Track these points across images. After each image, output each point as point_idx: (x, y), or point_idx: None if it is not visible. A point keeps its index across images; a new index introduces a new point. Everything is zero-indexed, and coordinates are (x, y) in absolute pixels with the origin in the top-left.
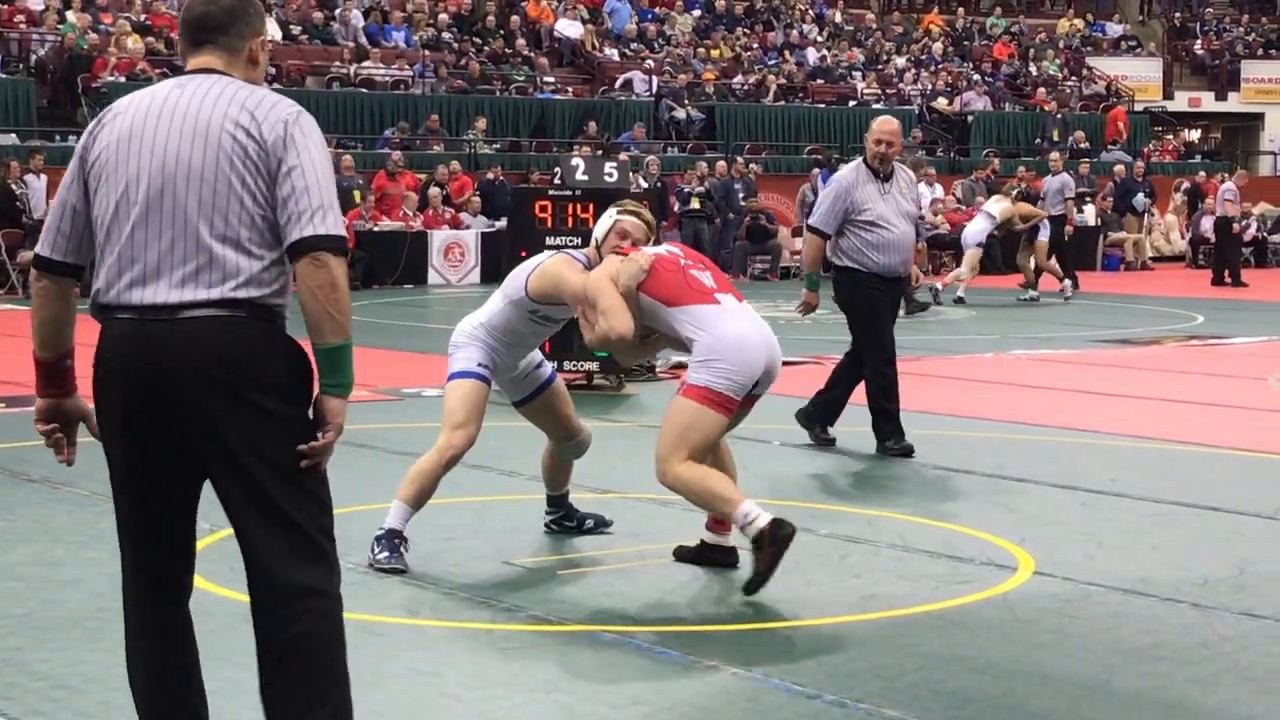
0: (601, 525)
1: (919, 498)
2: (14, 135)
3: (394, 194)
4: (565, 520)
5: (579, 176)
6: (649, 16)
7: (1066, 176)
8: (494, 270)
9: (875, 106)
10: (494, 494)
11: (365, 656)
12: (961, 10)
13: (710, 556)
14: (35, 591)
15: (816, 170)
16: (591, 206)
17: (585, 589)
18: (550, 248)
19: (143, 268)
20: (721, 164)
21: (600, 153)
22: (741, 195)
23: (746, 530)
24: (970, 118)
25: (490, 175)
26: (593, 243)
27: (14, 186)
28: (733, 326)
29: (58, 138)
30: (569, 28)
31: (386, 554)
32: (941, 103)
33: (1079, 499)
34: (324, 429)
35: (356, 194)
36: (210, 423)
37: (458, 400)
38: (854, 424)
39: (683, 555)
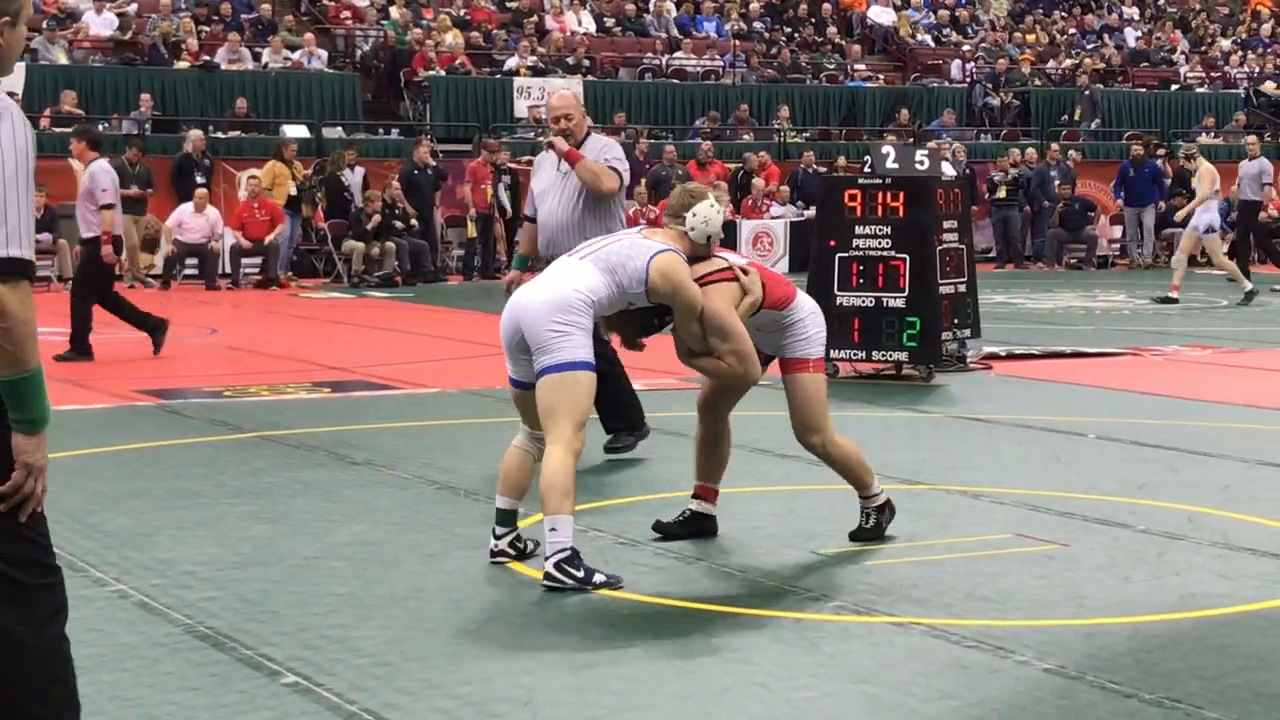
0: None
1: (1243, 494)
2: (340, 129)
3: (703, 184)
4: (516, 541)
5: (889, 164)
6: (964, 2)
7: (1265, 161)
8: (802, 259)
9: (1200, 91)
10: (802, 483)
11: (676, 640)
12: None
13: (697, 526)
14: (358, 571)
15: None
16: (902, 195)
17: (894, 580)
18: (860, 237)
19: None
20: (1032, 151)
21: (911, 140)
22: (1057, 182)
23: (874, 499)
24: None
25: (803, 164)
26: (684, 229)
27: (343, 178)
28: (809, 299)
29: (381, 131)
30: (882, 15)
31: (602, 576)
32: (1269, 86)
33: None
34: (16, 469)
35: (673, 184)
36: None
37: (585, 398)
38: (1169, 418)
39: (670, 531)
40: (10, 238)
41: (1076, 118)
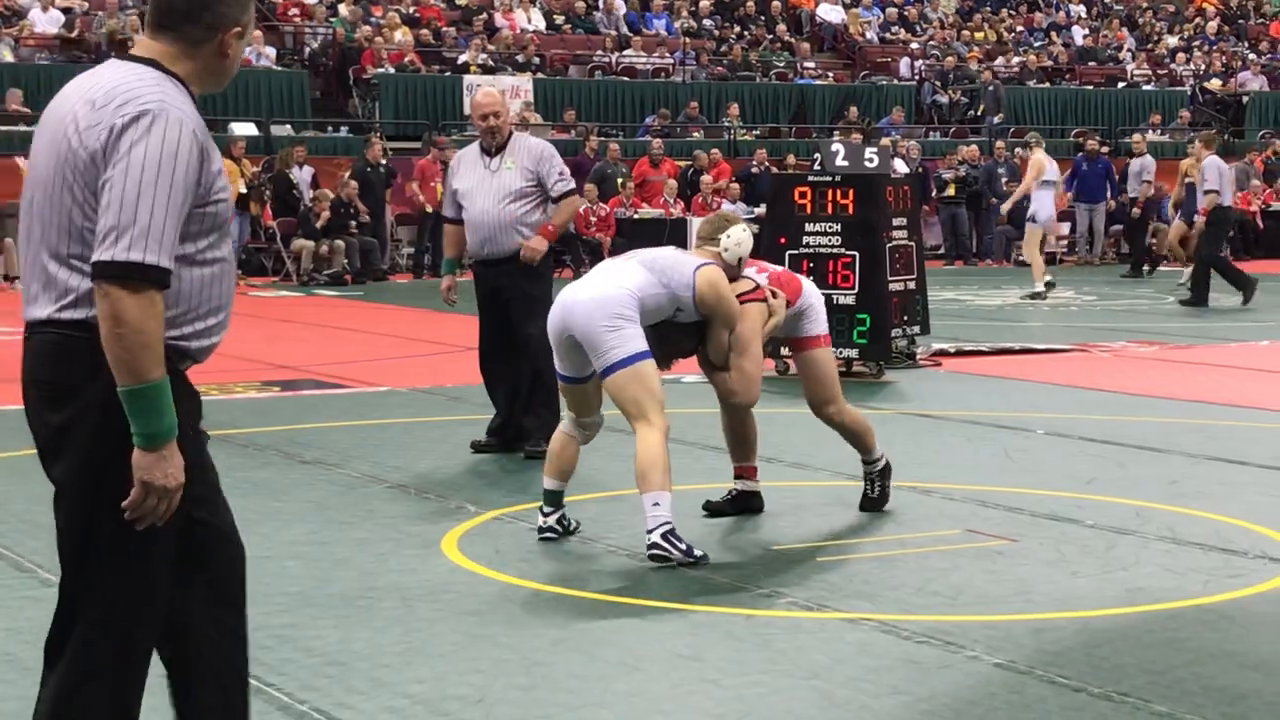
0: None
1: (1190, 489)
2: (289, 126)
3: (655, 181)
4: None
5: (839, 162)
6: (912, 0)
7: (1148, 159)
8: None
9: (1146, 88)
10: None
11: (628, 639)
12: None
13: (744, 504)
14: (309, 570)
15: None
16: (852, 192)
17: (846, 576)
18: (810, 234)
19: (25, 283)
20: (975, 149)
21: (861, 138)
22: (1005, 180)
23: (876, 464)
24: (1245, 98)
25: (754, 163)
26: (718, 250)
27: (292, 176)
28: (811, 285)
29: (330, 129)
30: (831, 12)
31: (700, 551)
32: (1215, 83)
33: None
34: (134, 486)
35: (619, 181)
36: (37, 441)
37: (657, 382)
38: (1117, 413)
39: (719, 509)
40: (136, 241)
41: (980, 113)
